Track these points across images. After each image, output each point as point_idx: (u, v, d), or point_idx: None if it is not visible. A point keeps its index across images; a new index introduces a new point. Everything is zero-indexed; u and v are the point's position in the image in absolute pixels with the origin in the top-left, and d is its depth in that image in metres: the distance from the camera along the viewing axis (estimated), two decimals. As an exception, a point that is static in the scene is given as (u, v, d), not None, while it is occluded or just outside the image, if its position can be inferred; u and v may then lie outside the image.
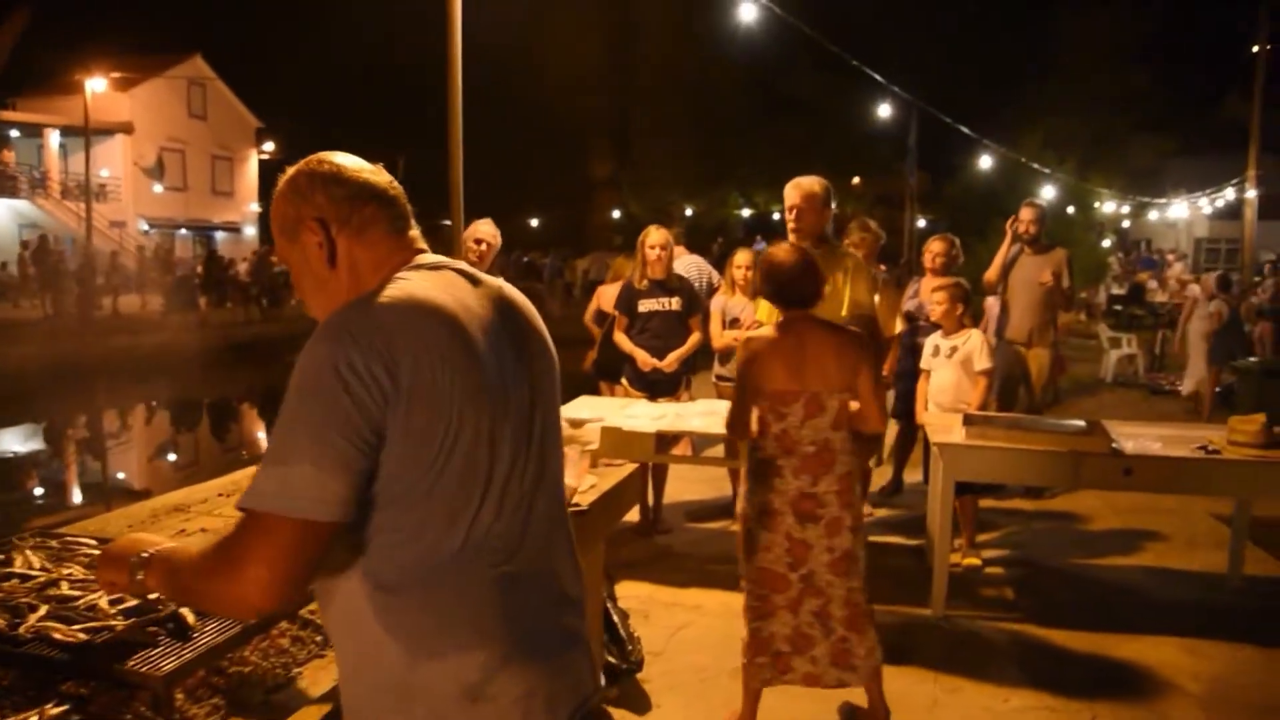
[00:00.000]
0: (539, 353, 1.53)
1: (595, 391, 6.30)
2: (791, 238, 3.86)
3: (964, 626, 4.16)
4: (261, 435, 12.49)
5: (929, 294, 5.62)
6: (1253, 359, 8.31)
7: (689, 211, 32.15)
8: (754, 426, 3.16)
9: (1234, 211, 23.85)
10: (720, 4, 11.54)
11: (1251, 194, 18.21)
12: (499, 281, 1.53)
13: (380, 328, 1.28)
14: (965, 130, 17.29)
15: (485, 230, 4.97)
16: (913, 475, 6.34)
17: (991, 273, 6.27)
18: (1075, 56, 29.50)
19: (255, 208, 38.81)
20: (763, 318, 3.97)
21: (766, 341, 3.13)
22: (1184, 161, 32.56)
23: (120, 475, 11.44)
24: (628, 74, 31.54)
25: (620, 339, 5.35)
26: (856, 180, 34.54)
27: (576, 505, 2.70)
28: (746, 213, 34.35)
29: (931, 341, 5.08)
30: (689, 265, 6.27)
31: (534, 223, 42.58)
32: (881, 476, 6.33)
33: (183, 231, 35.76)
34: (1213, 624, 4.17)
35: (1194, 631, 4.08)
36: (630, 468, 3.23)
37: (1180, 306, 16.87)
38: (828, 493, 3.06)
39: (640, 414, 4.76)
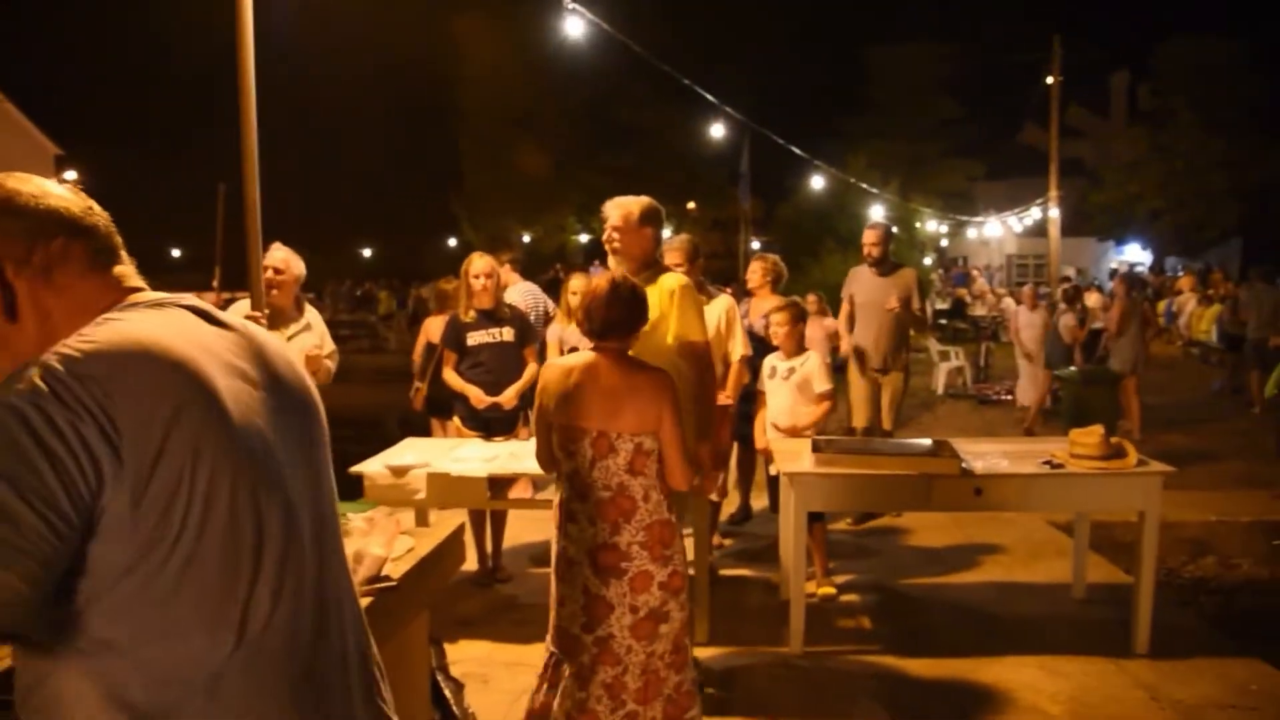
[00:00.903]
0: (301, 402, 1.28)
1: (427, 430, 5.84)
2: (611, 261, 3.52)
3: (824, 664, 3.95)
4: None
5: (758, 314, 5.65)
6: (1072, 368, 8.68)
7: (526, 238, 31.77)
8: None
9: (1040, 229, 25.61)
10: (545, 29, 11.33)
11: (1054, 213, 19.52)
12: (241, 320, 1.27)
13: (89, 378, 1.02)
14: (796, 150, 17.74)
15: (275, 257, 4.31)
16: (759, 499, 6.19)
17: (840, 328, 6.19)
18: (886, 89, 31.44)
19: (55, 242, 35.71)
20: None
21: (560, 370, 2.81)
22: (990, 185, 34.93)
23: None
24: (456, 102, 30.97)
25: (450, 377, 4.91)
26: (692, 205, 35.13)
27: (386, 579, 2.29)
28: (585, 238, 34.29)
29: (769, 363, 4.92)
30: (524, 294, 5.91)
31: (366, 253, 41.14)
32: (730, 504, 6.14)
33: (-31, 270, 32.45)
34: (1065, 638, 4.13)
35: (1048, 648, 4.03)
36: (453, 523, 2.83)
37: (999, 319, 17.87)
38: (631, 544, 2.71)
39: (471, 456, 4.36)
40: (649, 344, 3.27)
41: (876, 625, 4.42)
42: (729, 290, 5.74)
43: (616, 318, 2.78)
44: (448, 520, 2.90)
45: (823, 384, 4.72)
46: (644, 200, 3.52)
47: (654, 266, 3.58)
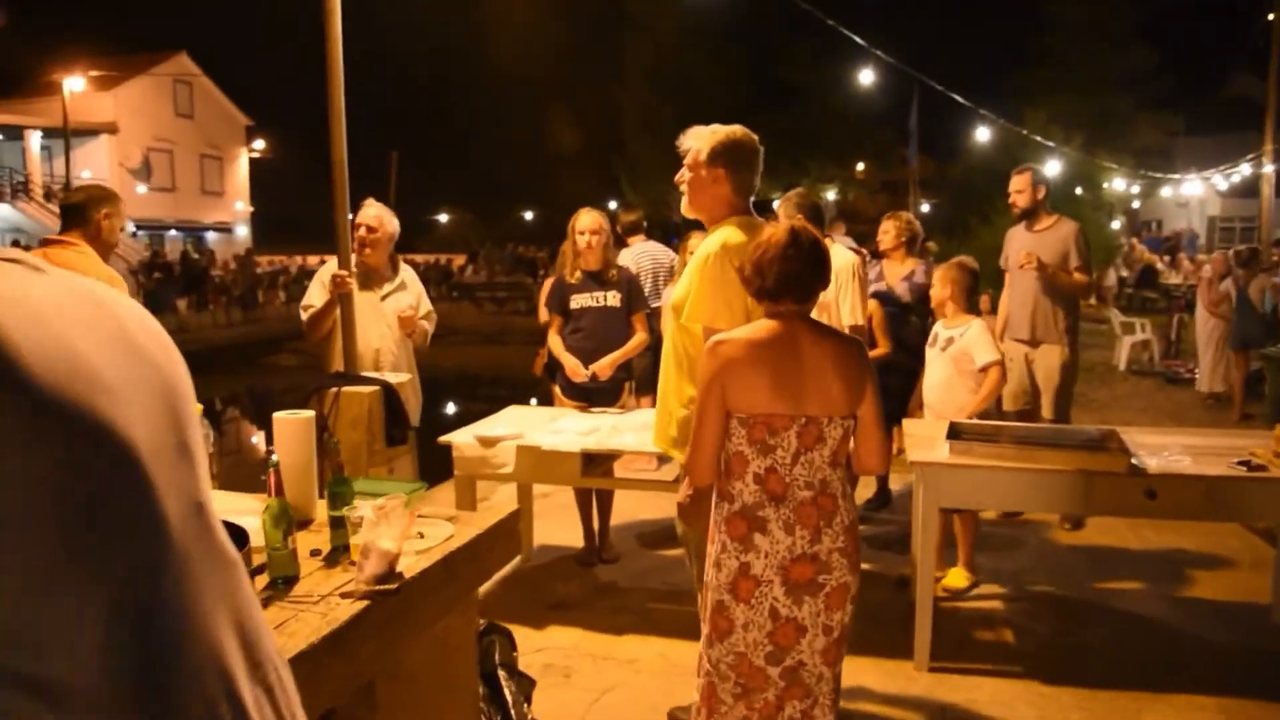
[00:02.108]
0: (156, 363, 1.04)
1: (548, 398, 5.59)
2: (685, 202, 2.91)
3: (949, 685, 3.39)
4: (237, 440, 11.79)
5: (895, 278, 5.14)
6: (1278, 347, 7.49)
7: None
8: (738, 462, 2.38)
9: (1249, 189, 22.96)
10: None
11: (1269, 168, 17.35)
12: (82, 277, 1.02)
13: None
14: (965, 102, 16.41)
15: (368, 214, 4.12)
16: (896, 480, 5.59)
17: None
18: (1075, 36, 28.75)
19: (245, 207, 38.26)
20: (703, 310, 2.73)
21: (746, 345, 2.29)
22: (1191, 141, 31.61)
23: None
24: (618, 67, 30.86)
25: (553, 342, 4.61)
26: (861, 166, 33.73)
27: (397, 577, 1.97)
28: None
29: (933, 330, 4.38)
30: (637, 255, 5.53)
31: (529, 215, 41.93)
32: (866, 487, 5.58)
33: (173, 233, 35.24)
34: (1256, 675, 3.41)
35: (1234, 687, 3.32)
36: (502, 512, 2.48)
37: (1196, 288, 16.07)
38: (831, 552, 2.29)
39: (567, 429, 4.03)
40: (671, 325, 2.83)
41: (1020, 640, 3.81)
42: (865, 253, 5.15)
43: (794, 272, 2.31)
44: (476, 520, 2.45)
45: (985, 355, 4.09)
46: (724, 131, 2.80)
47: (737, 220, 2.81)
